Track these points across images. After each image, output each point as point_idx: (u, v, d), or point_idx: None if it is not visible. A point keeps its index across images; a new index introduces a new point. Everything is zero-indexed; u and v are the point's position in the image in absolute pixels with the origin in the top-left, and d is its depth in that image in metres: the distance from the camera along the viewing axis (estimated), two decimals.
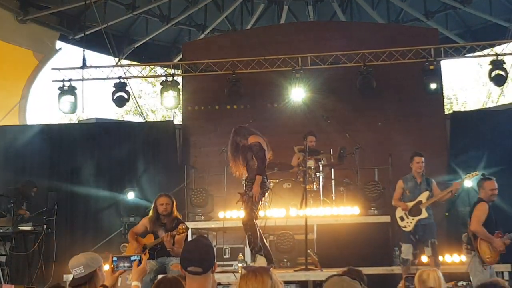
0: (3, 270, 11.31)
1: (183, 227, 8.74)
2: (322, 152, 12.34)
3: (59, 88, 14.60)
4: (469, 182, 11.56)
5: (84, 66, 14.99)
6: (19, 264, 13.00)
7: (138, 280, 4.81)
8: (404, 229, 10.14)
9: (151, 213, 9.20)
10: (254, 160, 9.33)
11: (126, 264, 4.94)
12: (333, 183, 12.30)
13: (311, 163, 11.83)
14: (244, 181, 11.17)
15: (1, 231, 11.32)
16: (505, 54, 13.85)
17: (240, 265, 9.79)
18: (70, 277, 5.11)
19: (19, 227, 11.65)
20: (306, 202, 10.89)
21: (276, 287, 3.64)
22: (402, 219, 10.19)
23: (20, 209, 11.95)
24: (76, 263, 4.98)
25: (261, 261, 9.18)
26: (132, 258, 4.96)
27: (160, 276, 8.04)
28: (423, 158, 10.30)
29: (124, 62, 18.24)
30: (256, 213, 9.52)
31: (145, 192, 13.87)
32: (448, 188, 10.29)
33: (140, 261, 4.90)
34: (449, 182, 11.38)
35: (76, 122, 20.16)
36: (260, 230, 9.55)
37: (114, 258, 5.00)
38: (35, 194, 12.57)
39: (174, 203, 9.18)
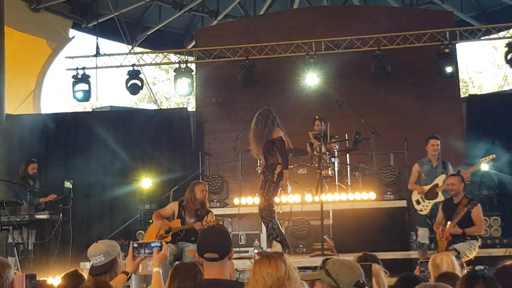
0: (26, 259, 11.34)
1: (213, 220, 8.83)
2: (337, 137, 12.30)
3: (73, 77, 14.68)
4: (485, 165, 11.49)
5: (97, 54, 15.06)
6: (36, 252, 13.07)
7: (159, 266, 4.82)
8: (420, 212, 10.11)
9: (187, 197, 9.16)
10: (275, 150, 9.35)
11: (147, 251, 4.95)
12: (348, 168, 12.26)
13: (325, 149, 11.79)
14: (260, 167, 11.08)
15: (18, 219, 11.33)
16: None
17: (256, 251, 9.80)
18: (87, 264, 5.12)
19: (36, 216, 11.68)
20: (321, 187, 10.87)
21: (290, 272, 3.60)
22: (418, 202, 10.17)
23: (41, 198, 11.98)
24: (96, 252, 4.98)
25: (277, 248, 9.18)
26: (153, 244, 4.97)
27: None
28: (438, 141, 10.25)
29: (138, 49, 18.24)
30: (275, 200, 9.54)
31: (160, 180, 13.88)
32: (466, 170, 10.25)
33: (160, 247, 4.91)
34: (466, 165, 11.36)
35: (91, 110, 20.19)
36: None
37: (135, 245, 5.01)
38: (40, 172, 12.57)
39: None
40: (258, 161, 11.54)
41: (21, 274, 5.34)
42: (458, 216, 8.79)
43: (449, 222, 8.85)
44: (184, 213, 9.12)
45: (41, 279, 5.96)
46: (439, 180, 10.00)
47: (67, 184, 12.57)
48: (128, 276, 4.99)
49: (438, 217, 9.35)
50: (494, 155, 10.45)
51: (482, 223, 8.98)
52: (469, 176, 10.08)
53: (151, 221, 10.52)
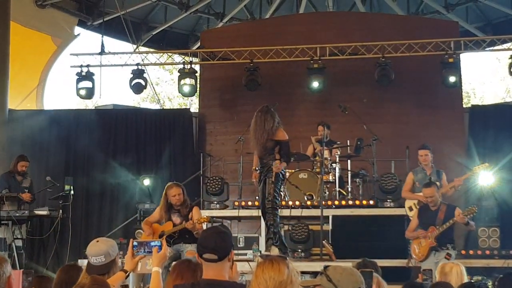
0: (20, 254, 11.35)
1: (202, 217, 8.79)
2: (338, 143, 12.31)
3: (77, 74, 14.69)
4: (488, 177, 11.50)
5: (102, 52, 15.07)
6: (34, 248, 13.07)
7: (158, 266, 4.80)
8: (412, 219, 10.15)
9: (161, 202, 9.15)
10: (274, 150, 9.31)
11: (146, 250, 4.93)
12: (349, 174, 12.25)
13: (326, 154, 11.79)
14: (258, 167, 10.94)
15: (17, 215, 11.34)
16: None
17: (254, 253, 9.78)
18: (85, 262, 5.06)
19: (35, 211, 11.70)
20: (321, 192, 10.86)
21: (293, 277, 3.61)
22: (411, 209, 10.41)
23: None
24: (97, 252, 4.88)
25: (274, 252, 9.15)
26: (153, 243, 4.95)
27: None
28: (427, 151, 10.50)
29: (142, 49, 18.26)
30: (278, 200, 9.48)
31: (160, 179, 13.87)
32: (451, 183, 10.37)
33: (160, 247, 4.89)
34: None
35: (93, 108, 20.20)
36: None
37: (135, 243, 4.99)
38: (40, 168, 12.59)
39: (184, 191, 9.14)
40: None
41: (18, 270, 5.34)
42: (442, 223, 9.01)
43: (431, 228, 9.01)
44: (168, 216, 9.07)
45: (40, 275, 5.97)
46: None
47: (68, 181, 12.60)
48: (127, 274, 4.98)
49: (412, 224, 9.51)
50: (486, 164, 10.61)
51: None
52: (460, 184, 10.42)
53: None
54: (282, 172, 9.52)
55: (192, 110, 17.27)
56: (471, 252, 10.72)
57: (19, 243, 11.36)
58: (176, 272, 4.96)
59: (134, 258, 4.94)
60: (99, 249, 4.91)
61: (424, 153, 10.47)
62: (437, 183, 10.13)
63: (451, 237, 9.23)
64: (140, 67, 14.75)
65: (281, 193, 10.27)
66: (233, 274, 4.28)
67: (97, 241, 4.99)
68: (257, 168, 9.98)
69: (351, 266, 3.78)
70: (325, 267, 3.63)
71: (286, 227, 11.08)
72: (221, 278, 4.10)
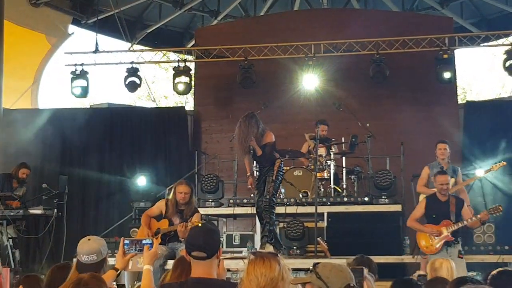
0: (14, 253, 11.34)
1: (197, 221, 8.73)
2: (333, 140, 12.30)
3: (72, 72, 14.66)
4: (481, 171, 11.54)
5: (96, 50, 15.04)
6: (29, 247, 13.06)
7: (149, 264, 4.81)
8: (417, 207, 10.13)
9: (170, 197, 9.14)
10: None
11: (138, 248, 4.95)
12: (344, 171, 12.25)
13: (322, 151, 11.78)
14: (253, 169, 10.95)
15: (12, 214, 11.33)
16: None
17: (248, 251, 9.79)
18: None
19: (30, 210, 11.67)
20: (316, 189, 10.86)
21: (284, 273, 3.61)
22: None
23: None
24: (89, 250, 4.92)
25: (269, 249, 9.15)
26: (144, 241, 4.97)
27: (170, 261, 8.05)
28: (446, 145, 10.58)
29: (137, 47, 18.23)
30: (275, 199, 9.53)
31: (156, 178, 13.86)
32: (473, 177, 10.45)
33: (151, 245, 4.90)
34: (464, 173, 11.48)
35: (88, 106, 20.17)
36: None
37: (126, 241, 5.01)
38: (29, 177, 12.56)
39: (193, 192, 9.12)
40: (255, 162, 11.53)
41: (6, 268, 5.33)
42: (455, 216, 9.09)
43: (446, 222, 9.01)
44: (171, 213, 9.06)
45: (27, 274, 5.95)
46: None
47: (62, 179, 12.58)
48: (118, 272, 4.98)
49: (417, 213, 9.47)
50: (504, 162, 10.64)
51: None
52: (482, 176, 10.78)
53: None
54: (281, 171, 9.59)
55: (187, 108, 17.25)
56: (466, 247, 10.71)
57: (11, 242, 11.34)
58: (180, 269, 4.97)
59: (125, 256, 4.95)
60: (91, 247, 4.93)
61: (443, 147, 10.52)
62: (453, 178, 10.22)
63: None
64: (134, 65, 14.72)
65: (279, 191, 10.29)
66: (220, 271, 4.28)
67: (89, 239, 5.01)
68: (254, 168, 10.04)
69: (341, 263, 3.79)
70: (315, 264, 3.65)
71: (281, 225, 11.09)
72: (210, 276, 4.10)
